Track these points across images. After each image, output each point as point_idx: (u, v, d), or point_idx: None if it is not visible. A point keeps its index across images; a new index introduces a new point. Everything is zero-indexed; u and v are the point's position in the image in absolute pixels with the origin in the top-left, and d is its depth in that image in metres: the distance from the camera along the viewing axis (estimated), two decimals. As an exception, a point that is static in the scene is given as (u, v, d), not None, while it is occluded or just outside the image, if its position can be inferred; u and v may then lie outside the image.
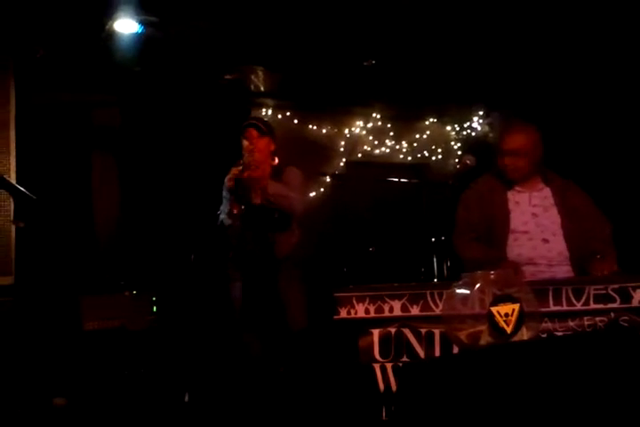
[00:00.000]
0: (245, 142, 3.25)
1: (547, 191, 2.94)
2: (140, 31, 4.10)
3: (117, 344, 3.84)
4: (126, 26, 4.09)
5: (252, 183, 3.18)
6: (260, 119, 3.47)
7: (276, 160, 3.35)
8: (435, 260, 4.23)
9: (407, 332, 2.39)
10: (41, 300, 3.96)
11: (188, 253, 3.52)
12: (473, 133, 6.47)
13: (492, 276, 1.91)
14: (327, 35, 4.49)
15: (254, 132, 3.25)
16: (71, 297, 3.95)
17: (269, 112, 5.67)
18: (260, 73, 5.12)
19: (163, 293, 4.18)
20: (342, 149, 6.09)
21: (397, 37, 4.55)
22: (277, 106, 5.62)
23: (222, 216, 3.25)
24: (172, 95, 4.94)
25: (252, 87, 5.39)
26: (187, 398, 3.44)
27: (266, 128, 3.31)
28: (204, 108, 5.04)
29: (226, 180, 3.21)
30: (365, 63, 4.99)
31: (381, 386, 2.36)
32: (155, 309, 4.10)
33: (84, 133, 4.89)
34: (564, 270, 2.80)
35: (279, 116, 5.64)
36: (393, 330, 2.39)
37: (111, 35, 4.16)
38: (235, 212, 3.12)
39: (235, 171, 3.17)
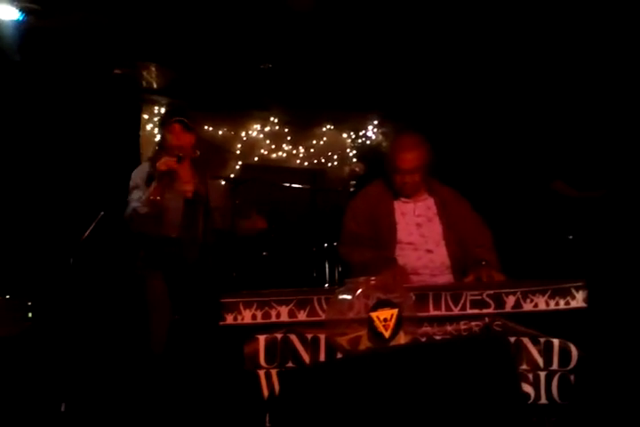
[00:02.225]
0: (171, 137, 3.29)
1: (430, 201, 2.99)
2: (20, 19, 3.92)
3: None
4: (6, 12, 3.92)
5: (177, 176, 3.26)
6: (186, 114, 3.44)
7: (198, 152, 3.41)
8: (327, 265, 4.28)
9: (293, 337, 2.37)
10: None
11: (66, 256, 3.35)
12: (367, 142, 6.63)
13: (373, 281, 1.94)
14: (224, 35, 4.45)
15: (178, 127, 3.29)
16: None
17: (162, 110, 5.51)
18: (153, 69, 4.98)
19: (39, 298, 3.95)
20: (238, 152, 6.05)
21: (294, 42, 4.58)
22: (171, 104, 5.48)
23: (135, 204, 3.18)
24: (56, 87, 4.68)
25: (144, 83, 5.23)
26: (63, 408, 3.27)
27: (191, 124, 3.37)
28: (90, 102, 4.82)
29: (158, 164, 3.20)
30: (262, 66, 4.97)
31: (265, 392, 2.33)
32: (30, 314, 3.88)
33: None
34: (445, 279, 2.87)
35: (173, 115, 5.51)
36: (279, 336, 2.37)
37: (-11, 21, 3.92)
38: (158, 199, 3.13)
39: (169, 161, 3.20)
